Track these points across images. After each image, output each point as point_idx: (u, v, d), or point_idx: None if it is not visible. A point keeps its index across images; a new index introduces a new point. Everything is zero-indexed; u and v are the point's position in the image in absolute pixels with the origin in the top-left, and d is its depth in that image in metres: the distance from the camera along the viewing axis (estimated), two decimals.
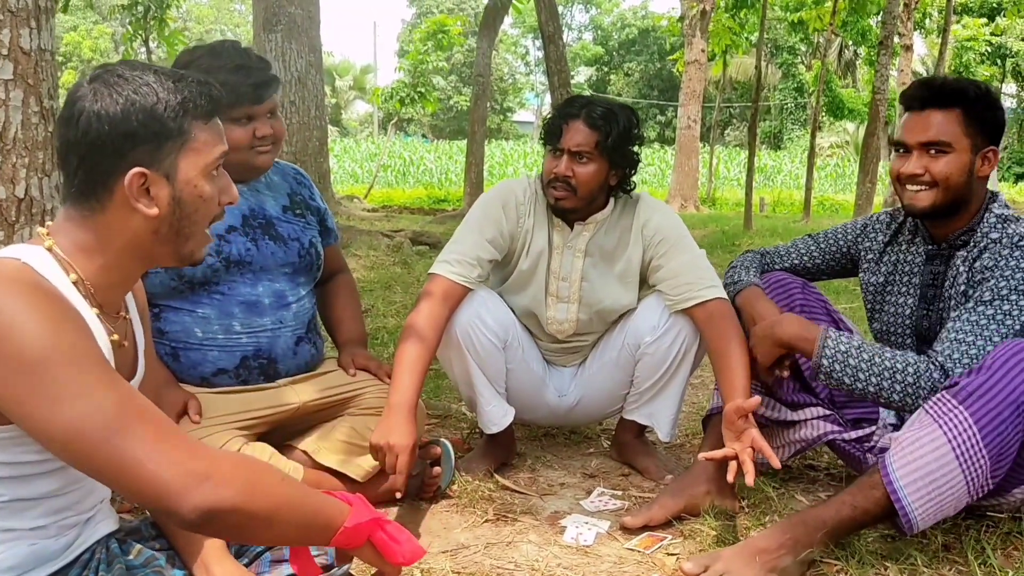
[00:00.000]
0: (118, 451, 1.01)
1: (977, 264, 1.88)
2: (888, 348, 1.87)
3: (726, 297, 2.14)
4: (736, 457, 1.81)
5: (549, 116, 2.26)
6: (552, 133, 2.19)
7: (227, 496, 1.03)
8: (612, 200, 2.26)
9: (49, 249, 1.14)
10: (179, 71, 1.18)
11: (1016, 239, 1.84)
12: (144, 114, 1.12)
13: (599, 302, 2.30)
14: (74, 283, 1.14)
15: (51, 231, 1.17)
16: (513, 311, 2.33)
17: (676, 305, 2.18)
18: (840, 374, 1.84)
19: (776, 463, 1.78)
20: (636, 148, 2.22)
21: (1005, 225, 1.89)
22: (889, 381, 1.79)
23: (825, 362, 1.85)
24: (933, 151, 1.88)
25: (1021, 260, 1.81)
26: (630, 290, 2.30)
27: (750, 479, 1.76)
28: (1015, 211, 1.93)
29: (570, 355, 2.42)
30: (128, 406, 1.03)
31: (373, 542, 1.22)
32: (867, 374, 1.81)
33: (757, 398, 1.87)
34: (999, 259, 1.84)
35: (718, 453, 1.83)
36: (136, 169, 1.12)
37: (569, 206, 2.19)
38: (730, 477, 1.80)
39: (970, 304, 1.82)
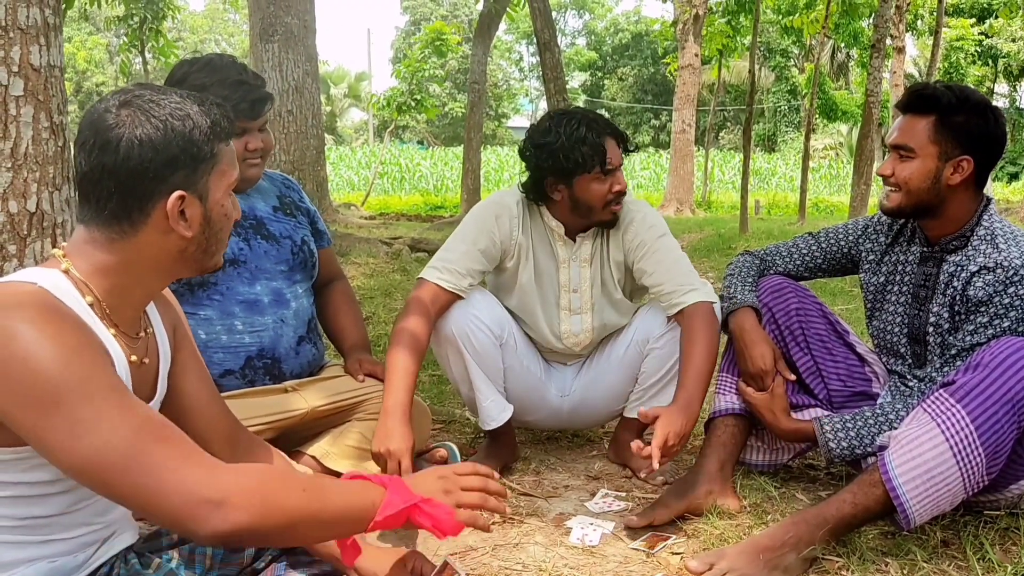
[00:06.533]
0: (134, 482, 1.02)
1: (970, 291, 1.90)
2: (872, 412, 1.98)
3: (705, 299, 2.18)
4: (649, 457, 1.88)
5: (585, 141, 2.14)
6: (602, 156, 2.17)
7: (241, 520, 1.04)
8: None
9: (65, 271, 1.14)
10: (199, 94, 1.21)
11: (1011, 272, 1.86)
12: (183, 139, 1.14)
13: (610, 307, 2.36)
14: (90, 305, 1.14)
15: (68, 252, 1.17)
16: (530, 336, 2.39)
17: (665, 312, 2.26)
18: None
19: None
20: None
21: (994, 242, 1.91)
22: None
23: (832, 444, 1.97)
24: (901, 155, 1.94)
25: (1014, 299, 1.85)
26: (627, 295, 2.38)
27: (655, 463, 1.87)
28: (1004, 223, 1.95)
29: (572, 355, 2.46)
30: (144, 433, 1.04)
31: (413, 523, 1.22)
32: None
33: (656, 454, 1.88)
34: (993, 294, 1.86)
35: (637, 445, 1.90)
36: (178, 193, 1.15)
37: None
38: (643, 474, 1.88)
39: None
